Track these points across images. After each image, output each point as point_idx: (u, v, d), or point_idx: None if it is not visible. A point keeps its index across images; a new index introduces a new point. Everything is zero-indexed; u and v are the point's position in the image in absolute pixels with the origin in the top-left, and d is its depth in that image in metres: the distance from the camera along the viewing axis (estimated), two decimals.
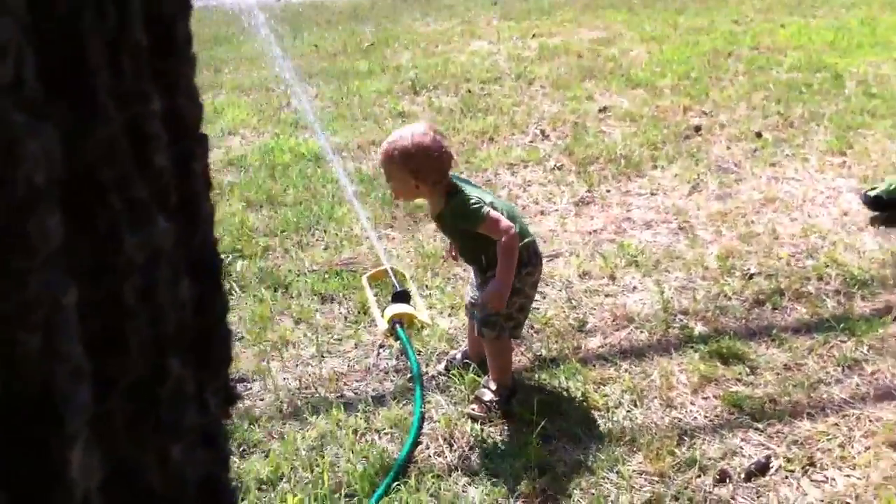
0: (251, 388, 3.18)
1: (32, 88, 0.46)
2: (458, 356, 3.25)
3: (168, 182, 0.55)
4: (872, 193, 4.19)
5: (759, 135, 5.37)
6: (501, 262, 2.81)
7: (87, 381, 0.47)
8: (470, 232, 2.86)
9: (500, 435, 2.84)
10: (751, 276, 3.76)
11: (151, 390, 0.52)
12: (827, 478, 2.63)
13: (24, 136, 0.44)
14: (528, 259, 2.93)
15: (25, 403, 0.45)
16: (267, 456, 2.80)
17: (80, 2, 0.49)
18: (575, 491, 2.59)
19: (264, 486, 2.67)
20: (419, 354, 3.29)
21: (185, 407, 0.55)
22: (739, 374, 3.14)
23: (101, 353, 0.49)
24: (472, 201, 2.80)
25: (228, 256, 4.04)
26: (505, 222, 2.77)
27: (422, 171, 2.80)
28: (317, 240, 4.22)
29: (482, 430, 2.87)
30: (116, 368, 0.50)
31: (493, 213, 2.78)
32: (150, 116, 0.53)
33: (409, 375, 3.17)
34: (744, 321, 3.44)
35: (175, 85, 0.58)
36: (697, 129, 5.55)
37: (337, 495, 2.60)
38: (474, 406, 2.99)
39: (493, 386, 3.02)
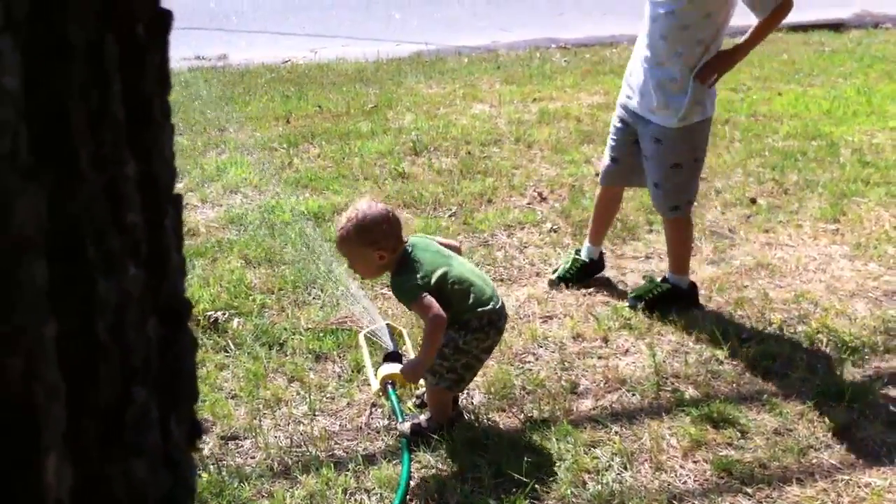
0: (242, 446, 3.19)
1: (25, 157, 0.53)
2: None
3: (139, 237, 0.61)
4: None
5: (753, 201, 5.43)
6: (423, 344, 3.04)
7: (62, 400, 0.53)
8: None
9: (490, 496, 2.84)
10: (743, 341, 3.79)
11: (118, 414, 0.58)
12: None
13: (17, 196, 0.51)
14: (480, 326, 3.09)
15: (7, 417, 0.51)
16: None
17: (67, 85, 0.55)
18: None
19: None
20: (408, 416, 3.30)
21: (147, 431, 0.61)
22: (730, 438, 3.15)
23: (77, 379, 0.55)
24: (411, 283, 2.99)
25: (225, 314, 4.07)
26: (434, 310, 2.93)
27: (380, 241, 3.00)
28: (313, 298, 4.26)
29: (472, 491, 2.87)
30: (89, 394, 0.56)
31: (426, 300, 2.94)
32: (125, 179, 0.59)
33: (399, 434, 3.18)
34: (735, 385, 3.47)
35: (150, 152, 0.64)
36: None
37: None
38: (405, 427, 3.16)
39: (426, 415, 3.24)
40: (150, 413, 0.61)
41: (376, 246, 3.01)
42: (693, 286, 4.17)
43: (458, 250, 3.32)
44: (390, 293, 4.08)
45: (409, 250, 3.08)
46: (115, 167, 0.59)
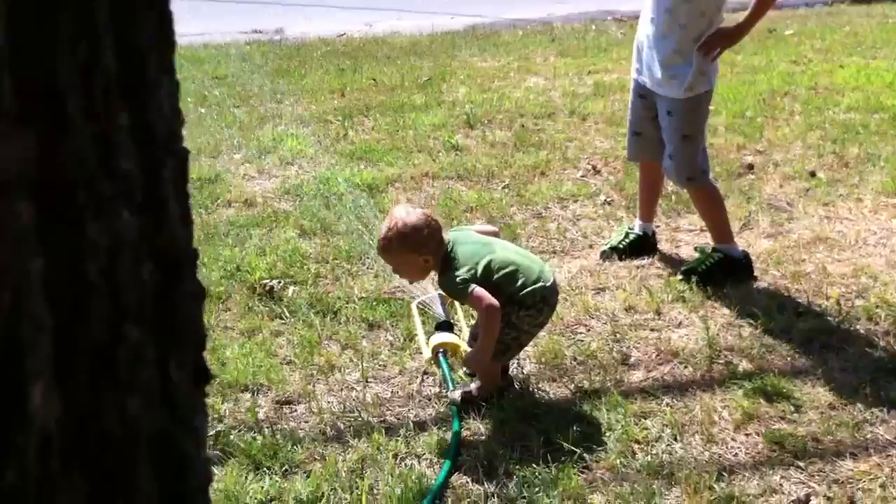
0: (296, 410, 3.25)
1: (9, 104, 0.56)
2: None
3: (134, 184, 0.64)
4: None
5: (812, 174, 5.34)
6: (481, 333, 3.10)
7: (48, 332, 0.56)
8: None
9: (539, 464, 2.86)
10: (799, 315, 3.74)
11: (111, 351, 0.60)
12: None
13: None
14: (533, 303, 3.13)
15: None
16: (308, 476, 2.85)
17: (56, 36, 0.58)
18: None
19: None
20: (459, 384, 3.33)
21: (141, 369, 0.63)
22: (783, 411, 3.12)
23: (67, 315, 0.58)
24: (459, 280, 3.05)
25: (280, 282, 4.13)
26: (486, 300, 3.01)
27: (423, 246, 3.08)
28: (367, 268, 4.30)
29: (521, 459, 2.89)
30: (79, 329, 0.59)
31: (476, 292, 3.02)
32: (118, 129, 0.62)
33: (449, 402, 3.21)
34: (790, 359, 3.43)
35: (145, 105, 0.66)
36: (750, 167, 5.54)
37: None
38: (456, 394, 3.20)
39: (476, 384, 3.24)
40: (144, 353, 0.64)
41: (420, 251, 3.10)
42: (746, 255, 4.14)
43: (496, 235, 3.38)
44: None
45: (451, 247, 3.15)
46: (106, 117, 0.62)
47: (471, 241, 3.22)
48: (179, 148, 0.75)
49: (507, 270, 3.11)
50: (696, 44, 3.84)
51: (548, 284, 3.16)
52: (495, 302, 3.01)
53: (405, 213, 3.12)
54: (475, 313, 3.67)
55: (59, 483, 0.56)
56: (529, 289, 3.11)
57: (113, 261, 0.61)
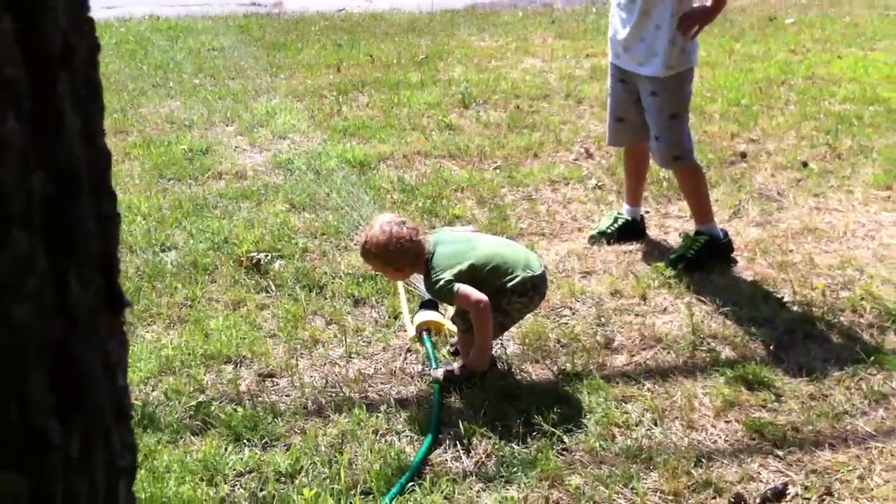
0: (278, 384, 3.25)
1: None
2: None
3: (20, 91, 0.63)
4: None
5: (805, 164, 5.33)
6: (476, 331, 3.14)
7: None
8: None
9: (518, 444, 2.86)
10: (784, 305, 3.75)
11: None
12: None
13: None
14: (524, 291, 3.18)
15: None
16: (288, 449, 2.86)
17: None
18: None
19: (283, 479, 2.74)
20: (442, 362, 3.33)
21: (27, 276, 0.63)
22: (764, 400, 3.13)
23: None
24: (442, 283, 3.11)
25: (268, 255, 4.12)
26: (474, 297, 3.06)
27: (394, 260, 3.17)
28: (355, 244, 4.28)
29: (500, 438, 2.89)
30: None
31: (462, 291, 3.07)
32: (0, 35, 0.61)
33: (431, 380, 3.21)
34: (773, 348, 3.43)
35: (32, 14, 0.65)
36: (743, 155, 5.53)
37: (353, 492, 2.65)
38: (439, 373, 3.20)
39: (458, 364, 3.25)
40: (32, 261, 0.63)
41: (392, 264, 3.20)
42: (726, 234, 4.18)
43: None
44: None
45: (433, 251, 3.19)
46: None
47: (452, 241, 3.27)
48: (82, 68, 0.74)
49: (493, 264, 3.15)
50: (674, 20, 3.84)
51: (536, 273, 3.19)
52: (483, 297, 3.05)
53: (378, 230, 3.15)
54: None
55: None
56: (519, 278, 3.14)
57: None
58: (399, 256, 3.15)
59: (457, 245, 3.24)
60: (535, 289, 3.20)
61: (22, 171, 0.62)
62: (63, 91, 0.68)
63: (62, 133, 0.68)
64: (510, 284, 3.13)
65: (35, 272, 0.63)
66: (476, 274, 3.12)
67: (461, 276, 3.10)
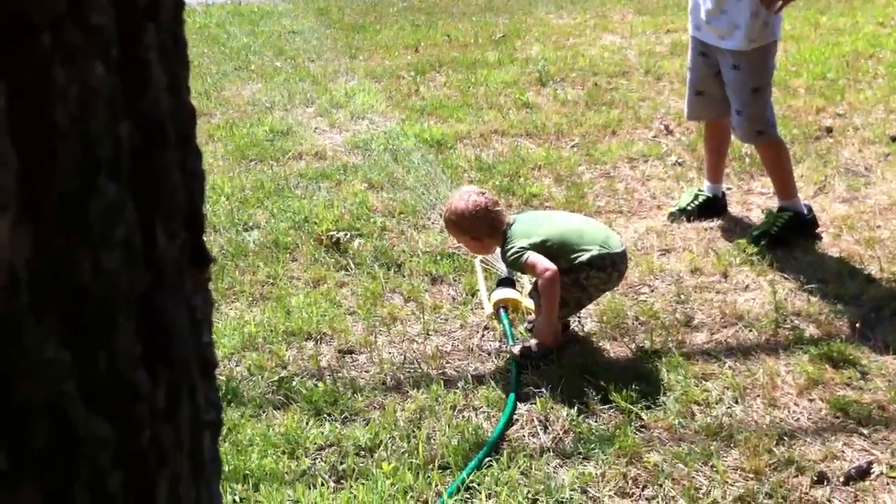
0: (358, 360, 3.30)
1: None
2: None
3: (109, 40, 0.64)
4: None
5: (893, 139, 5.17)
6: (543, 300, 3.15)
7: (13, 170, 0.57)
8: None
9: (596, 421, 2.86)
10: (871, 281, 3.65)
11: (81, 203, 0.61)
12: None
13: None
14: (601, 265, 3.18)
15: None
16: (367, 424, 2.90)
17: None
18: (666, 481, 2.60)
19: (362, 452, 2.78)
20: (519, 339, 3.34)
21: (116, 225, 0.64)
22: (849, 378, 3.06)
23: (37, 162, 0.59)
24: (514, 250, 3.16)
25: (347, 234, 4.18)
26: (542, 265, 3.09)
27: (474, 231, 3.26)
28: (433, 223, 4.32)
29: (577, 415, 2.89)
30: (48, 172, 0.60)
31: (531, 258, 3.11)
32: None
33: (508, 357, 3.22)
34: (859, 326, 3.34)
35: None
36: (829, 130, 5.39)
37: (430, 466, 2.68)
38: (516, 349, 3.22)
39: (535, 341, 3.24)
40: (121, 210, 0.65)
41: (469, 233, 3.28)
42: (810, 209, 4.09)
43: None
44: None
45: (511, 224, 3.26)
46: None
47: (531, 217, 3.37)
48: (168, 22, 0.76)
49: (567, 238, 3.17)
50: None
51: (616, 250, 3.19)
52: (552, 266, 3.06)
53: (458, 198, 3.28)
54: None
55: (28, 322, 0.58)
56: (594, 252, 3.13)
57: (83, 110, 0.62)
58: (476, 224, 3.22)
59: (535, 219, 3.32)
60: (613, 265, 3.19)
61: (110, 119, 0.64)
62: (150, 42, 0.70)
63: (149, 84, 0.70)
64: (586, 257, 3.13)
65: (123, 222, 0.65)
66: (549, 246, 3.14)
67: (534, 247, 3.13)
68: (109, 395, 0.65)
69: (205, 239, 0.84)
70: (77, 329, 0.62)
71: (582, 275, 3.14)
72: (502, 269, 3.67)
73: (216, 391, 0.88)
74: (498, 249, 3.59)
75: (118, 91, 0.65)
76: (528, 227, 3.23)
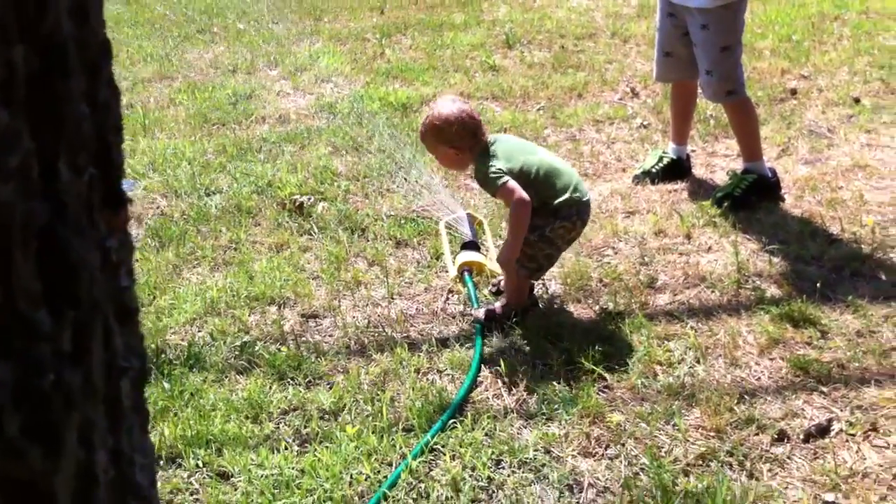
0: (321, 324, 3.28)
1: None
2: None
3: None
4: None
5: (857, 100, 5.20)
6: (509, 228, 3.09)
7: None
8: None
9: (559, 382, 2.87)
10: (832, 242, 3.68)
11: None
12: (889, 444, 2.59)
13: None
14: (567, 214, 3.10)
15: None
16: (331, 388, 2.90)
17: None
18: (629, 440, 2.62)
19: (326, 416, 2.77)
20: (483, 302, 3.33)
21: (10, 154, 0.62)
22: (809, 337, 3.09)
23: None
24: (493, 170, 3.03)
25: (310, 198, 4.15)
26: (518, 194, 2.98)
27: (455, 140, 3.10)
28: (397, 186, 4.29)
29: (541, 376, 2.90)
30: None
31: (509, 185, 3.00)
32: None
33: (473, 320, 3.22)
34: (819, 286, 3.37)
35: None
36: (794, 92, 5.41)
37: (395, 429, 2.68)
38: (480, 312, 3.21)
39: (501, 302, 3.24)
40: (14, 137, 0.62)
41: (450, 143, 3.12)
42: (774, 172, 4.10)
43: None
44: (473, 184, 4.08)
45: (493, 142, 3.14)
46: None
47: (514, 142, 3.24)
48: None
49: (546, 172, 3.09)
50: None
51: (583, 198, 3.14)
52: (526, 197, 2.98)
53: (443, 105, 3.15)
54: (503, 233, 3.66)
55: None
56: (565, 197, 3.08)
57: None
58: (461, 132, 3.09)
59: (519, 145, 3.21)
60: (578, 214, 3.13)
61: (1, 43, 0.61)
62: None
63: (46, 7, 0.67)
64: (556, 202, 3.07)
65: (18, 150, 0.62)
66: (528, 174, 3.05)
67: (513, 173, 3.03)
68: (7, 334, 0.62)
69: (123, 180, 0.81)
70: None
71: (547, 228, 3.09)
72: (467, 232, 3.66)
73: (139, 338, 0.86)
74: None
75: (11, 13, 0.62)
76: (510, 150, 3.12)
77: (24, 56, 0.63)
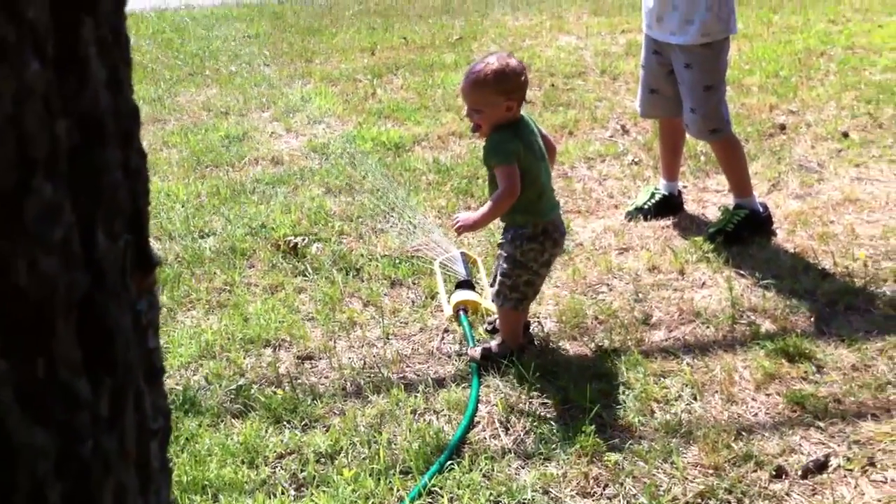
0: (317, 366, 3.27)
1: None
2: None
3: (44, 34, 0.63)
4: None
5: (845, 135, 5.25)
6: (487, 205, 3.05)
7: None
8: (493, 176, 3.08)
9: (556, 421, 2.86)
10: (825, 276, 3.70)
11: (16, 203, 0.60)
12: (887, 479, 2.59)
13: None
14: (534, 235, 3.09)
15: None
16: (327, 430, 2.88)
17: None
18: (627, 479, 2.61)
19: (323, 459, 2.76)
20: (479, 341, 3.33)
21: (54, 227, 0.62)
22: (805, 372, 3.09)
23: None
24: (511, 146, 2.98)
25: (304, 239, 4.15)
26: (514, 184, 2.95)
27: (513, 91, 2.99)
28: (391, 226, 4.30)
29: (538, 416, 2.90)
30: None
31: (510, 170, 2.96)
32: None
33: (469, 359, 3.22)
34: (814, 320, 3.39)
35: None
36: (782, 127, 5.46)
37: (392, 471, 2.67)
38: (476, 351, 3.20)
39: (497, 341, 3.24)
40: (58, 210, 0.63)
41: (508, 94, 2.98)
42: (765, 207, 4.13)
43: (553, 151, 3.28)
44: None
45: (523, 119, 3.09)
46: None
47: (536, 142, 3.10)
48: (108, 16, 0.73)
49: (537, 187, 3.05)
50: None
51: (547, 218, 3.11)
52: (518, 191, 2.95)
53: (508, 56, 3.05)
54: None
55: None
56: (542, 220, 3.08)
57: (19, 108, 0.60)
58: (520, 88, 3.00)
59: (534, 148, 3.07)
60: (545, 234, 3.10)
61: (45, 117, 0.62)
62: (88, 37, 0.68)
63: (87, 80, 0.68)
64: (523, 219, 3.07)
65: (61, 222, 0.63)
66: (523, 177, 2.99)
67: (520, 160, 2.99)
68: (49, 403, 0.63)
69: (151, 242, 0.82)
70: (14, 334, 0.61)
71: (517, 252, 3.07)
72: (462, 271, 3.67)
73: (164, 397, 0.86)
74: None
75: (54, 88, 0.63)
76: (531, 144, 3.05)
77: (66, 130, 0.65)
